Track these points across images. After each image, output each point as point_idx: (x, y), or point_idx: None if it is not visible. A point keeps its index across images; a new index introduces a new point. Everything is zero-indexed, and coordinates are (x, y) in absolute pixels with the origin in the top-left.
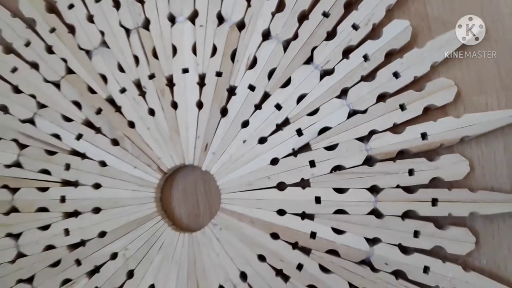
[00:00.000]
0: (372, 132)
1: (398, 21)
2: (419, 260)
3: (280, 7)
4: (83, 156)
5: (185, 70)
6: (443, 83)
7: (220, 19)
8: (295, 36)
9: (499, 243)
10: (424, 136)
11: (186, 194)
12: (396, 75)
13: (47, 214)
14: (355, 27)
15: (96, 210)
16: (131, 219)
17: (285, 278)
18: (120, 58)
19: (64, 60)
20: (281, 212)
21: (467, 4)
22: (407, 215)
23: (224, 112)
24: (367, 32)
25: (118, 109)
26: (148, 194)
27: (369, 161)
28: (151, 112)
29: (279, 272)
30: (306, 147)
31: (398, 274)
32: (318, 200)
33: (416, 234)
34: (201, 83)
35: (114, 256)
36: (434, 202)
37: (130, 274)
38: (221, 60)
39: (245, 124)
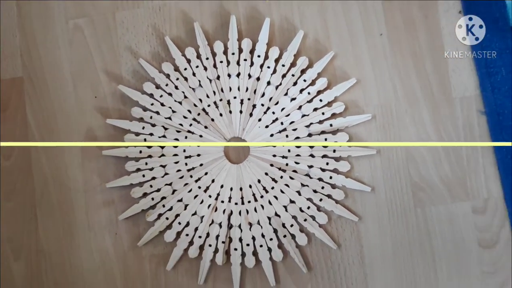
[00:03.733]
0: (311, 123)
1: (322, 78)
2: (328, 174)
3: (275, 71)
4: (192, 133)
5: (235, 97)
6: (339, 103)
7: (250, 76)
8: (280, 83)
9: (361, 167)
10: (331, 125)
11: (235, 149)
12: (321, 100)
13: (177, 156)
14: (305, 80)
15: (198, 155)
16: (213, 158)
17: (275, 181)
18: (207, 92)
19: (183, 92)
20: (274, 156)
21: (359, 69)
22: (324, 156)
23: (251, 115)
24: (309, 83)
25: (206, 113)
26: (220, 149)
27: (310, 135)
28: (221, 114)
29: (273, 179)
30: (285, 129)
31: (320, 179)
32: (289, 150)
33: (327, 163)
34: (241, 102)
35: (206, 173)
36: (334, 151)
37: (213, 180)
38: (250, 93)
39: (259, 120)
